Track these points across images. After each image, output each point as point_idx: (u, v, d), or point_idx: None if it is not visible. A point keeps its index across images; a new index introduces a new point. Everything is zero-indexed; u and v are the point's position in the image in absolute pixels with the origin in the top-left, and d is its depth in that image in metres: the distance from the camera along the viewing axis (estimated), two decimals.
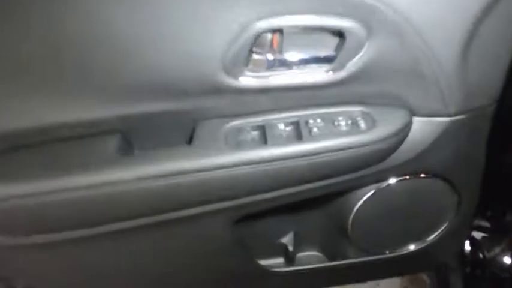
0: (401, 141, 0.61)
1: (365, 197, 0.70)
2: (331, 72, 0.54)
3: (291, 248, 0.85)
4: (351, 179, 0.64)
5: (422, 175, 0.67)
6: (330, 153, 0.57)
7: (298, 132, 0.56)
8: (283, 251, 0.84)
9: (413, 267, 0.93)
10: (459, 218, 0.75)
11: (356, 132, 0.58)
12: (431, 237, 0.78)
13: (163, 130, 0.58)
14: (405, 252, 0.80)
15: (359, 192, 0.70)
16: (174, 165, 0.55)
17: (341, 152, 0.57)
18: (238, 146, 0.55)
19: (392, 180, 0.66)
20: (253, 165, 0.56)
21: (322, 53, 0.54)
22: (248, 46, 0.50)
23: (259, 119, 0.58)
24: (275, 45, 0.53)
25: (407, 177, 0.66)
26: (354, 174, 0.63)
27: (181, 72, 0.51)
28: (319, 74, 0.54)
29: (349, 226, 0.74)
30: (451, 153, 0.66)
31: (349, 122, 0.59)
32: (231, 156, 0.56)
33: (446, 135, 0.62)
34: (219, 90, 0.53)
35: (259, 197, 0.61)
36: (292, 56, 0.54)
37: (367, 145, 0.57)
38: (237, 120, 0.58)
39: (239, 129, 0.57)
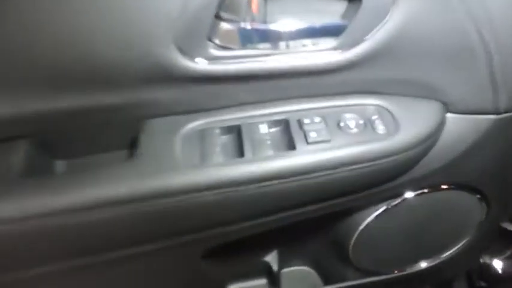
0: (431, 147, 0.44)
1: (373, 216, 0.54)
2: (338, 51, 0.38)
3: (275, 267, 0.69)
4: (357, 198, 0.47)
5: (445, 186, 0.53)
6: (334, 171, 0.39)
7: (289, 138, 0.41)
8: (265, 269, 0.67)
9: (420, 284, 0.80)
10: (483, 231, 0.63)
11: (372, 138, 0.41)
12: (447, 253, 0.66)
13: (95, 133, 0.44)
14: (415, 270, 0.67)
15: (365, 210, 0.54)
16: (105, 192, 0.37)
17: (350, 167, 0.39)
18: (202, 159, 0.40)
19: (409, 195, 0.50)
20: (223, 190, 0.38)
21: (326, 22, 0.39)
22: (212, 10, 0.35)
23: (231, 117, 0.43)
24: (254, 9, 0.38)
25: (426, 190, 0.52)
26: (363, 193, 0.46)
27: (116, 52, 0.36)
28: (321, 54, 0.39)
29: (350, 248, 0.58)
30: (490, 159, 0.50)
31: (361, 122, 0.42)
32: (190, 175, 0.38)
33: (487, 137, 0.46)
34: (171, 77, 0.39)
35: (232, 227, 0.43)
36: (280, 25, 0.39)
37: (386, 157, 0.40)
38: (200, 118, 0.43)
39: (203, 133, 0.42)
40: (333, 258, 0.66)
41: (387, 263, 0.67)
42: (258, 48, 0.39)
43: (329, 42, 0.39)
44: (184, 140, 0.41)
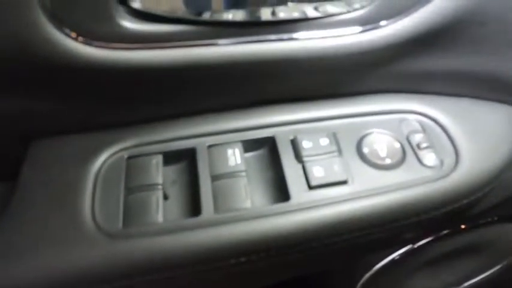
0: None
1: (390, 257, 0.39)
2: (367, 26, 0.23)
3: None
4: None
5: (489, 219, 0.41)
6: (353, 235, 0.23)
7: (277, 175, 0.24)
8: None
9: None
10: None
11: (415, 176, 0.25)
12: (472, 281, 0.55)
13: None
14: None
15: (381, 252, 0.39)
16: None
17: (380, 229, 0.23)
18: (126, 219, 0.23)
19: (441, 232, 0.36)
20: (163, 275, 0.21)
21: None
22: None
23: (180, 135, 0.26)
24: None
25: (463, 226, 0.40)
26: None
27: None
28: (335, 31, 0.23)
29: None
30: None
31: (397, 145, 0.25)
32: (102, 256, 0.21)
33: None
34: (52, 70, 0.21)
35: None
36: None
37: (439, 209, 0.24)
38: (127, 137, 0.25)
39: (132, 163, 0.25)
40: None
41: None
42: (217, 21, 0.21)
43: (350, 11, 0.21)
44: (96, 178, 0.23)
